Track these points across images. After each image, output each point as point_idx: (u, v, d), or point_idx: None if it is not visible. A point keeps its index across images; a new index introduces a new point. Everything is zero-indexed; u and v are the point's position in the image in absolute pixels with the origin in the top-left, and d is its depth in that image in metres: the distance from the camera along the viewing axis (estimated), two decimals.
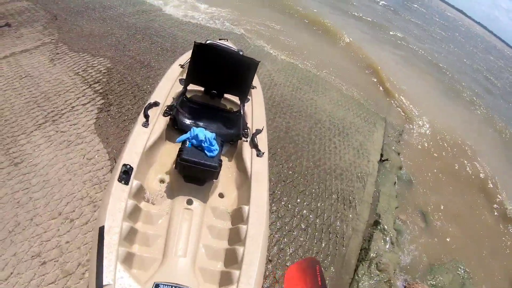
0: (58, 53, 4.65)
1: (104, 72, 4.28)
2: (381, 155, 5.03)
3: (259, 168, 2.26)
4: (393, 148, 5.55)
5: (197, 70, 2.55)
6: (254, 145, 2.45)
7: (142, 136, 2.11)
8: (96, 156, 2.90)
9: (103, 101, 3.66)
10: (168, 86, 2.69)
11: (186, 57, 3.13)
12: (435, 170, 5.69)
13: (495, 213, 5.21)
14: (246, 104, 2.87)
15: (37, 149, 2.91)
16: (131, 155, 1.95)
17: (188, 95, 2.75)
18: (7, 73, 4.06)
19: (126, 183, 1.78)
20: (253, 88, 3.24)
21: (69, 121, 3.28)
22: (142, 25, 6.45)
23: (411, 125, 6.78)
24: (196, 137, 2.01)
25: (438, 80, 10.84)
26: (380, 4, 19.59)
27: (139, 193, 1.89)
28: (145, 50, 5.28)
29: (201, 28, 7.03)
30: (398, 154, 5.55)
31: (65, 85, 3.88)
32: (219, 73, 2.61)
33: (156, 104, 2.39)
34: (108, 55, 4.80)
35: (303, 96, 5.54)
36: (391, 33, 14.26)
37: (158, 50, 5.42)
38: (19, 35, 5.26)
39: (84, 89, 3.84)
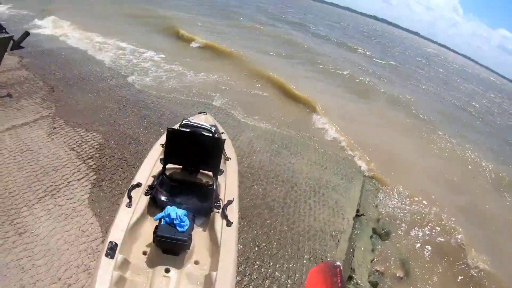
0: (55, 127, 5.59)
1: (97, 148, 5.19)
2: (357, 210, 5.42)
3: (227, 236, 2.77)
4: (369, 201, 6.02)
5: (172, 151, 3.35)
6: (224, 215, 2.98)
7: (126, 215, 2.79)
8: (90, 228, 3.65)
9: (95, 176, 4.51)
10: (150, 167, 3.49)
11: (165, 137, 3.71)
12: (415, 223, 5.95)
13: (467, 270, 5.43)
14: (220, 176, 3.53)
15: (38, 221, 3.60)
16: (116, 233, 2.60)
17: (168, 172, 3.44)
18: (10, 146, 4.91)
19: (112, 257, 2.39)
20: (228, 160, 3.84)
21: (65, 195, 4.07)
22: (132, 98, 7.60)
23: (388, 180, 7.15)
24: (169, 215, 2.78)
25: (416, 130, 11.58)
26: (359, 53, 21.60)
27: (123, 265, 2.50)
28: (134, 124, 6.28)
29: (186, 100, 8.20)
30: (376, 206, 5.97)
31: (61, 160, 4.73)
32: (192, 151, 3.35)
33: (138, 185, 3.16)
34: (100, 130, 5.76)
35: (281, 160, 6.29)
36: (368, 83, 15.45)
37: (146, 124, 6.43)
38: (19, 106, 6.23)
39: (78, 165, 4.69)
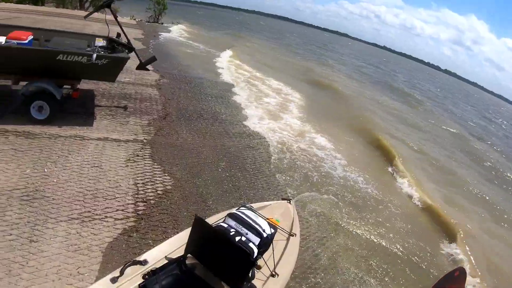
0: (138, 155, 6.66)
1: (159, 194, 5.86)
2: None
3: None
4: None
5: (194, 242, 3.38)
6: None
7: None
8: (86, 274, 4.05)
9: (133, 224, 5.04)
10: (169, 248, 3.60)
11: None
12: None
13: None
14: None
15: (53, 239, 4.28)
16: None
17: (189, 262, 3.47)
18: (88, 155, 6.13)
19: None
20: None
21: (93, 228, 4.68)
22: (235, 151, 8.39)
23: None
24: None
25: None
26: None
27: None
28: (215, 184, 6.80)
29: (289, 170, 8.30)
30: None
31: (118, 191, 5.54)
32: (215, 253, 3.31)
33: (142, 263, 3.25)
34: (176, 177, 6.51)
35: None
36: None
37: (229, 188, 6.82)
38: (125, 122, 7.76)
39: (128, 204, 5.37)
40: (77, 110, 7.55)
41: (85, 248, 4.37)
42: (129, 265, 3.20)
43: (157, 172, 6.45)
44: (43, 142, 6.16)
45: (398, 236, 7.33)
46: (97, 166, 5.95)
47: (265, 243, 3.69)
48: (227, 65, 18.52)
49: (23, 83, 6.49)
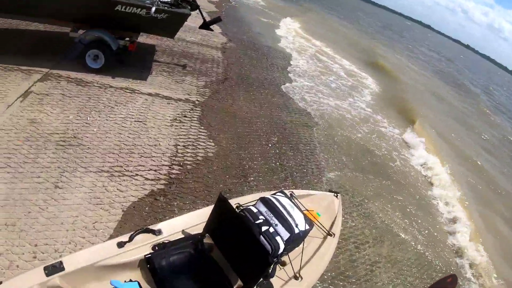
0: (185, 116, 6.37)
1: (197, 160, 5.52)
2: None
3: None
4: None
5: (214, 222, 3.03)
6: None
7: (105, 251, 2.67)
8: (101, 230, 3.85)
9: (162, 187, 4.75)
10: (187, 222, 3.24)
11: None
12: None
13: None
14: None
15: (78, 188, 4.18)
16: (73, 260, 2.50)
17: (206, 241, 3.14)
18: (133, 109, 5.96)
19: (48, 275, 2.34)
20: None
21: (120, 184, 4.47)
22: (291, 128, 7.75)
23: None
24: None
25: None
26: None
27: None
28: (261, 159, 6.27)
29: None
30: None
31: (155, 150, 5.30)
32: (233, 240, 2.95)
33: (156, 232, 2.95)
34: (221, 145, 6.14)
35: None
36: None
37: (276, 167, 6.26)
38: (181, 80, 7.53)
39: (162, 165, 5.10)
40: (134, 63, 7.37)
41: (107, 203, 4.20)
42: (141, 232, 2.93)
43: (202, 137, 6.11)
44: (92, 90, 6.06)
45: None
46: (140, 122, 5.74)
47: (295, 240, 3.18)
48: (297, 39, 17.55)
49: (81, 32, 6.39)
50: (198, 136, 6.11)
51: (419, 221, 6.79)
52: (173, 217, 3.49)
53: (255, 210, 3.16)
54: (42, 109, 5.22)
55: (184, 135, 5.96)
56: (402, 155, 9.38)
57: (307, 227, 3.29)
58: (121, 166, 4.78)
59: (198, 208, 4.00)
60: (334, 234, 3.83)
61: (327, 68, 14.56)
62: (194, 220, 3.33)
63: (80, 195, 4.14)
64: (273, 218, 3.11)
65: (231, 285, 2.98)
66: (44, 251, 3.42)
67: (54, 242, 3.54)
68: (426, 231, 6.59)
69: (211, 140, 6.15)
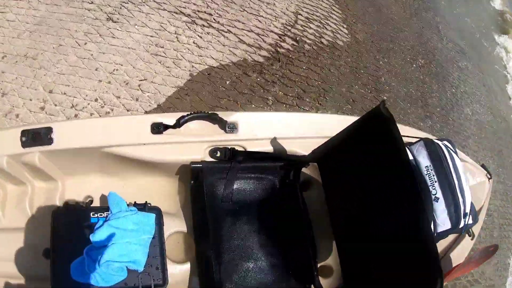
0: None
1: (321, 43, 3.97)
2: None
3: None
4: None
5: (337, 148, 1.91)
6: None
7: (131, 132, 1.62)
8: (147, 94, 2.71)
9: (262, 60, 3.39)
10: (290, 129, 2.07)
11: None
12: None
13: None
14: None
15: (137, 28, 3.10)
16: (77, 130, 1.56)
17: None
18: None
19: (25, 145, 1.52)
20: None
21: (200, 37, 3.28)
22: (440, 58, 5.82)
23: None
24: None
25: None
26: None
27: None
28: (400, 78, 4.70)
29: None
30: None
31: (267, 9, 3.89)
32: (363, 198, 1.75)
33: (226, 126, 1.77)
34: (356, 37, 4.50)
35: None
36: None
37: (415, 95, 4.72)
38: None
39: (271, 31, 3.73)
40: None
41: (171, 58, 3.05)
42: (201, 118, 1.76)
43: (334, 17, 4.51)
44: None
45: None
46: None
47: (447, 232, 1.86)
48: None
49: None
50: (330, 13, 4.52)
51: None
52: (261, 111, 2.82)
53: (410, 156, 1.84)
54: None
55: (312, 6, 4.41)
56: None
57: (471, 221, 2.03)
58: (211, 14, 3.53)
59: (304, 110, 3.14)
60: (473, 235, 2.43)
61: None
62: (294, 129, 2.06)
63: (138, 37, 3.04)
64: (436, 185, 1.76)
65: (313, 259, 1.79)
66: (58, 102, 2.59)
67: (76, 92, 2.67)
68: None
69: (345, 26, 4.55)
